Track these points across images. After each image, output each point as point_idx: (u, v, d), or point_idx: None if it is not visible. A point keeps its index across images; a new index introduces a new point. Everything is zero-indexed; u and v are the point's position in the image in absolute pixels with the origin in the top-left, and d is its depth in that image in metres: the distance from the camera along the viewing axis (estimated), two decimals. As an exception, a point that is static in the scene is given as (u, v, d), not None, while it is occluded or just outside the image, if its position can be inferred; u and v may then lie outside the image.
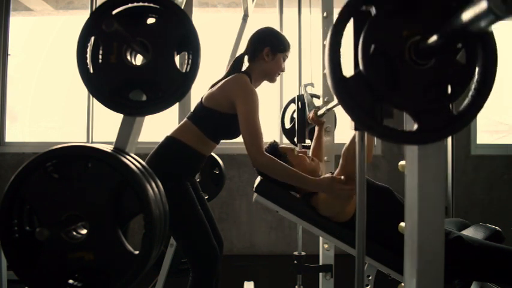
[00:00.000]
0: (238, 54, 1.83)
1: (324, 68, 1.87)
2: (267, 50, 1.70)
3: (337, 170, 1.50)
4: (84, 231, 0.75)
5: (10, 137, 3.75)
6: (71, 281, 0.75)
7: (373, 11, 0.56)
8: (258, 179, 1.67)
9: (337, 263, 1.85)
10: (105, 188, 0.74)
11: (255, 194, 1.63)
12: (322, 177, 1.49)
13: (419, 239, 0.71)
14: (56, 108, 4.08)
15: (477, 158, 3.54)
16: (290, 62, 1.85)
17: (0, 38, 3.68)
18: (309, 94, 1.99)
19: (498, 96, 3.88)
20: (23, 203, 0.75)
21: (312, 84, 2.03)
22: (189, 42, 0.82)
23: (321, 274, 1.87)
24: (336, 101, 1.35)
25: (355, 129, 0.66)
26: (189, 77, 0.81)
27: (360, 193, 0.82)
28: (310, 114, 1.90)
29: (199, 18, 3.85)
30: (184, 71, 0.81)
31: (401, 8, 0.56)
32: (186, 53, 0.82)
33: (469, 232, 1.65)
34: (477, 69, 0.57)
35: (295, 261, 1.94)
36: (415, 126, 0.57)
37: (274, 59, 1.72)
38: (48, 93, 4.03)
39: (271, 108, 3.33)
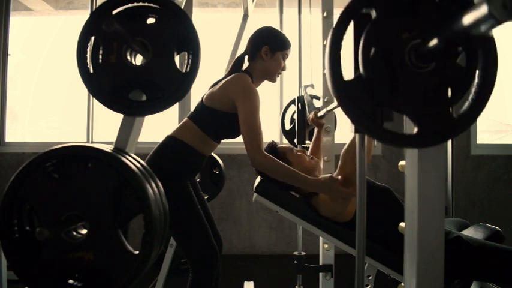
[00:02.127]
0: (238, 54, 1.83)
1: (324, 69, 1.88)
2: (265, 49, 1.69)
3: (336, 171, 1.50)
4: (84, 231, 0.75)
5: (10, 137, 3.75)
6: (71, 281, 0.75)
7: (374, 13, 0.56)
8: (258, 179, 1.67)
9: (337, 263, 1.85)
10: (105, 188, 0.74)
11: (255, 194, 1.63)
12: (321, 177, 1.49)
13: (419, 239, 0.71)
14: (56, 108, 4.08)
15: (477, 158, 3.55)
16: (290, 63, 1.85)
17: (0, 38, 3.68)
18: (309, 95, 1.99)
19: (498, 96, 3.88)
20: (23, 203, 0.75)
21: (312, 86, 2.03)
22: (189, 42, 0.82)
23: (321, 274, 1.87)
24: (335, 102, 1.35)
25: (355, 132, 0.66)
26: (189, 77, 0.81)
27: (359, 193, 0.82)
28: (310, 116, 1.90)
29: (199, 18, 3.85)
30: (184, 71, 0.81)
31: (402, 10, 0.56)
32: (186, 53, 0.82)
33: (469, 232, 1.65)
34: (477, 72, 0.57)
35: (295, 261, 1.94)
36: (415, 130, 0.57)
37: (273, 58, 1.71)
38: (48, 93, 4.03)
39: (271, 108, 3.34)
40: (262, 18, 3.90)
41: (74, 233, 0.75)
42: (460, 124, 0.57)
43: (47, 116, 4.06)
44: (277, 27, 2.52)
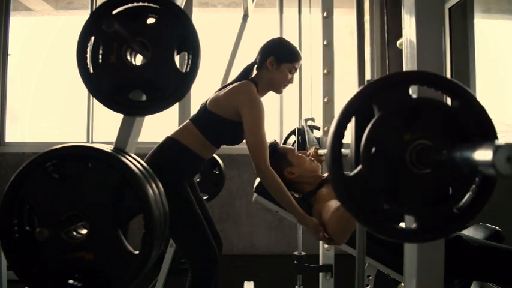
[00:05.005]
0: (238, 54, 1.83)
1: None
2: (271, 59, 1.68)
3: (329, 215, 1.38)
4: (84, 231, 0.75)
5: (10, 137, 3.75)
6: (71, 281, 0.75)
7: (376, 111, 0.56)
8: (258, 179, 1.67)
9: (337, 263, 1.85)
10: (105, 188, 0.74)
11: (255, 194, 1.63)
12: (310, 219, 1.44)
13: (419, 239, 0.71)
14: (56, 108, 4.08)
15: (477, 158, 3.54)
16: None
17: (0, 38, 3.68)
18: (309, 130, 2.00)
19: (498, 96, 3.88)
20: (23, 203, 0.75)
21: (312, 119, 2.04)
22: (189, 42, 0.82)
23: (321, 274, 1.87)
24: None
25: None
26: (189, 77, 0.81)
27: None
28: (310, 151, 1.88)
29: (199, 18, 3.85)
30: (184, 71, 0.81)
31: (405, 110, 0.56)
32: (186, 53, 0.82)
33: (469, 232, 1.65)
34: (473, 188, 0.56)
35: (295, 261, 1.94)
36: (414, 225, 0.57)
37: (279, 69, 1.69)
38: (48, 93, 4.03)
39: (272, 109, 3.33)
40: (262, 18, 3.90)
41: (74, 233, 0.75)
42: (461, 218, 0.56)
43: (47, 116, 4.06)
44: (277, 27, 2.53)
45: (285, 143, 2.46)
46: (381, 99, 0.56)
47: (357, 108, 0.57)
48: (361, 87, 0.58)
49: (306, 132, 1.99)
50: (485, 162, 0.41)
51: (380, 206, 0.56)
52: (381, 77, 0.57)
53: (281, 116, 3.16)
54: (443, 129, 0.55)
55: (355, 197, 0.56)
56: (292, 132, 2.37)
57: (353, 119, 0.58)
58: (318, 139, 1.95)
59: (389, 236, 0.57)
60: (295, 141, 2.20)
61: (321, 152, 1.80)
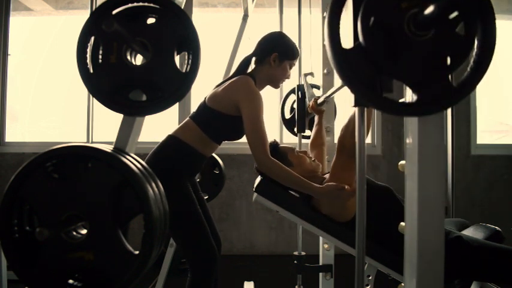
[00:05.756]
0: (238, 54, 1.83)
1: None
2: (274, 56, 1.68)
3: (334, 158, 1.51)
4: (84, 231, 0.75)
5: (10, 137, 3.75)
6: (71, 281, 0.75)
7: None
8: (258, 178, 1.67)
9: (337, 263, 1.85)
10: (105, 188, 0.74)
11: (255, 194, 1.63)
12: (325, 185, 1.48)
13: (419, 239, 0.71)
14: (56, 108, 4.08)
15: (477, 158, 3.54)
16: None
17: (0, 38, 3.68)
18: (309, 84, 1.99)
19: (498, 96, 3.88)
20: (23, 203, 0.75)
21: (312, 74, 2.03)
22: (189, 42, 0.82)
23: (321, 274, 1.87)
24: (335, 87, 1.35)
25: (355, 105, 0.65)
26: (189, 77, 0.81)
27: (359, 193, 0.82)
28: (310, 103, 1.91)
29: (199, 18, 3.85)
30: (184, 71, 0.81)
31: None
32: (186, 53, 0.82)
33: (469, 232, 1.65)
34: (476, 41, 0.56)
35: (295, 261, 1.94)
36: (415, 98, 0.56)
37: (281, 66, 1.70)
38: (48, 93, 4.03)
39: (271, 98, 3.31)
40: (262, 18, 3.89)
41: (74, 233, 0.75)
42: (460, 91, 0.57)
43: (47, 116, 4.06)
44: (277, 27, 2.53)
45: (284, 102, 2.44)
46: None
47: None
48: None
49: (305, 87, 1.99)
50: None
51: (380, 79, 0.56)
52: None
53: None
54: None
55: (355, 70, 0.55)
56: (292, 91, 2.35)
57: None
58: (318, 97, 1.93)
59: (390, 109, 0.57)
60: (294, 101, 2.19)
61: (320, 100, 1.80)
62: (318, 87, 2.07)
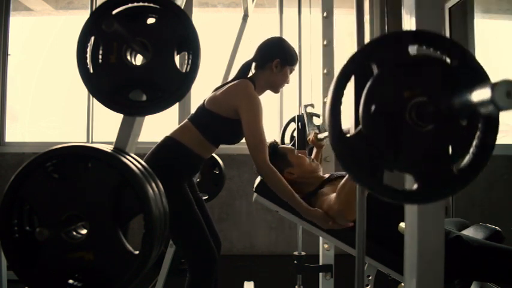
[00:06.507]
0: (238, 54, 1.83)
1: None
2: (276, 62, 1.68)
3: (333, 200, 1.44)
4: (84, 231, 0.75)
5: (10, 137, 3.75)
6: (71, 281, 0.75)
7: (375, 69, 0.55)
8: (258, 179, 1.67)
9: (337, 263, 1.85)
10: (105, 188, 0.74)
11: (255, 194, 1.63)
12: (315, 209, 1.47)
13: (419, 239, 0.71)
14: (56, 108, 4.08)
15: (477, 158, 3.54)
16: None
17: (0, 38, 3.68)
18: (309, 114, 2.00)
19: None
20: (23, 203, 0.75)
21: (312, 105, 2.04)
22: (189, 42, 0.82)
23: (321, 274, 1.87)
24: None
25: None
26: (189, 77, 0.81)
27: (359, 192, 0.82)
28: (310, 137, 1.89)
29: (199, 18, 3.85)
30: (184, 71, 0.81)
31: (403, 68, 0.55)
32: (186, 53, 0.82)
33: (469, 232, 1.65)
34: (477, 134, 0.55)
35: (295, 261, 1.94)
36: (415, 186, 0.56)
37: (282, 72, 1.70)
38: (48, 93, 4.03)
39: (270, 102, 3.30)
40: (262, 18, 3.90)
41: (74, 233, 0.75)
42: (461, 179, 0.56)
43: (47, 116, 4.06)
44: (277, 27, 2.53)
45: (284, 130, 2.45)
46: (380, 57, 0.55)
47: (356, 66, 0.57)
48: (360, 46, 0.57)
49: (305, 119, 2.00)
50: (484, 100, 0.41)
51: (380, 166, 0.56)
52: (380, 35, 0.57)
53: (281, 106, 3.13)
54: (442, 85, 0.54)
55: (356, 157, 0.55)
56: (292, 120, 2.36)
57: (352, 78, 0.57)
58: (318, 126, 1.94)
59: (390, 197, 0.57)
60: (295, 129, 2.20)
61: (320, 136, 1.80)
62: (318, 116, 2.09)
